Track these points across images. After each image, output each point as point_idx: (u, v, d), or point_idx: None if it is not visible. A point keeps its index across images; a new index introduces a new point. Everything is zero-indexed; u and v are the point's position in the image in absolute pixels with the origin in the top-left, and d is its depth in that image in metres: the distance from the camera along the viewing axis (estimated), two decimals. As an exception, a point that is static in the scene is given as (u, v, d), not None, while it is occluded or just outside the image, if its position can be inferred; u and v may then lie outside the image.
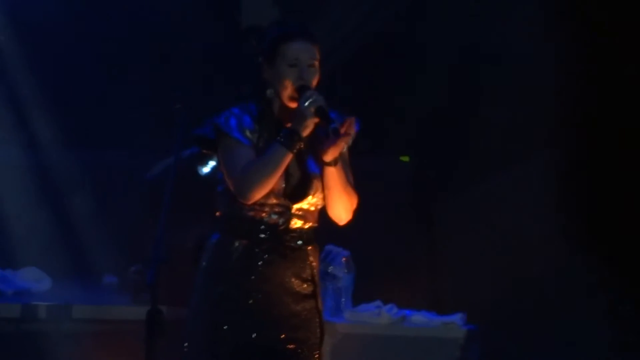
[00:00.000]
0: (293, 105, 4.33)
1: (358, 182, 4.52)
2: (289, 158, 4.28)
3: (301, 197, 4.38)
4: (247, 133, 4.36)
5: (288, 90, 4.33)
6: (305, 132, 4.26)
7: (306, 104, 4.24)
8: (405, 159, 6.65)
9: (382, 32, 7.28)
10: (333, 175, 4.34)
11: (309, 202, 4.40)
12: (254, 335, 4.32)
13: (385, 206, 7.02)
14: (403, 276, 7.06)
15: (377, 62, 7.21)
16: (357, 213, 4.49)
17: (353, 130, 4.30)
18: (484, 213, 7.00)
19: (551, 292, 6.70)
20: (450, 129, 7.11)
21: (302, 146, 4.31)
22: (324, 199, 4.43)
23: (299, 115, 4.26)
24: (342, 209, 4.41)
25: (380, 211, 6.80)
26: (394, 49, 7.29)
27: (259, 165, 4.28)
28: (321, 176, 4.39)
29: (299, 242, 4.40)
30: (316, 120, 4.25)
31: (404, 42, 7.26)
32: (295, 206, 4.38)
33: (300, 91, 4.30)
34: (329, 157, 4.32)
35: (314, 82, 4.35)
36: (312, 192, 4.39)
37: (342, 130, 4.26)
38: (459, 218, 7.12)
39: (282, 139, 4.26)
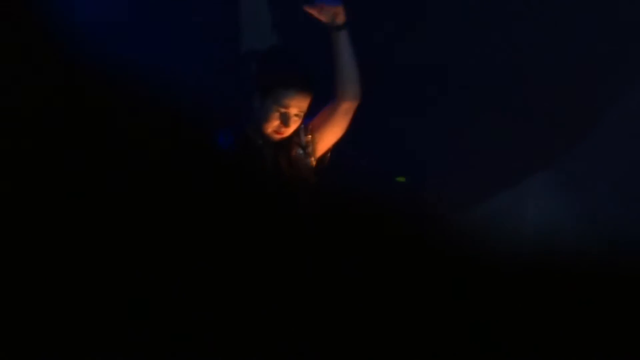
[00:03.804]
0: (271, 138, 4.49)
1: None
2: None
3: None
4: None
5: (267, 129, 4.47)
6: None
7: None
8: (402, 179, 6.48)
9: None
10: (345, 41, 4.43)
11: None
12: None
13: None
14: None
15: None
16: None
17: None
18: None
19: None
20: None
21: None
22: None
23: None
24: (355, 81, 4.47)
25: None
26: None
27: None
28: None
29: None
30: None
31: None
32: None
33: None
34: (340, 17, 4.42)
35: (293, 128, 4.49)
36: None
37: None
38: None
39: None
